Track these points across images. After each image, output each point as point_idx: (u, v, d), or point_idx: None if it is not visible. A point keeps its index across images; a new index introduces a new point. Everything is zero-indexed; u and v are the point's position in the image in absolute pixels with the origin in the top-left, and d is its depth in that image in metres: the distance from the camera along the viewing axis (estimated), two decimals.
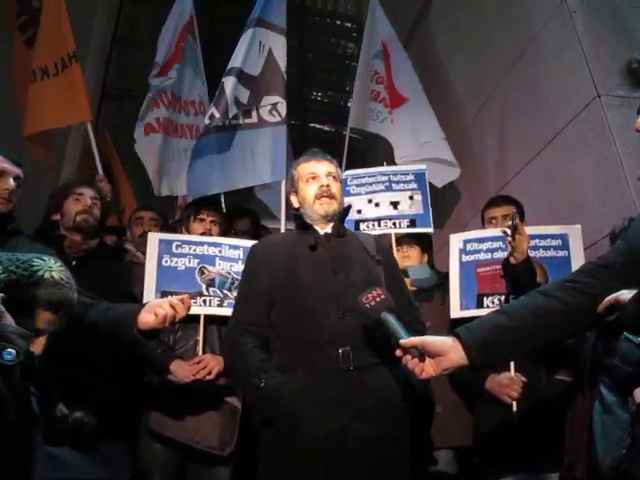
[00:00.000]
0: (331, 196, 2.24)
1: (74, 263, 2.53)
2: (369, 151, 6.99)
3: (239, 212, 3.79)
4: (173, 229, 3.94)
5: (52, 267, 1.57)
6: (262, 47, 4.04)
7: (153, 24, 10.15)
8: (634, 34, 3.36)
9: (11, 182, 2.30)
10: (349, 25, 11.08)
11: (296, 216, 2.32)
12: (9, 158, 2.33)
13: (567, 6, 3.56)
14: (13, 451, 1.43)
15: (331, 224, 2.26)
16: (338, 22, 11.31)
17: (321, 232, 2.25)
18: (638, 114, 1.56)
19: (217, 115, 3.77)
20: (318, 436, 1.87)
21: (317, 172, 2.29)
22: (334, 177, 2.30)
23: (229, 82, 3.85)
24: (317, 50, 10.79)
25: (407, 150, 4.51)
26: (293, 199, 2.36)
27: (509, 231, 2.54)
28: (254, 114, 3.95)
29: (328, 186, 2.25)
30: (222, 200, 4.15)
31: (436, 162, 4.38)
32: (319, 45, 10.84)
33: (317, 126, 10.57)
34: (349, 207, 2.45)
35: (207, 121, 3.85)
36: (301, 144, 4.19)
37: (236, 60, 3.95)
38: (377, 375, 2.00)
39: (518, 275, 2.56)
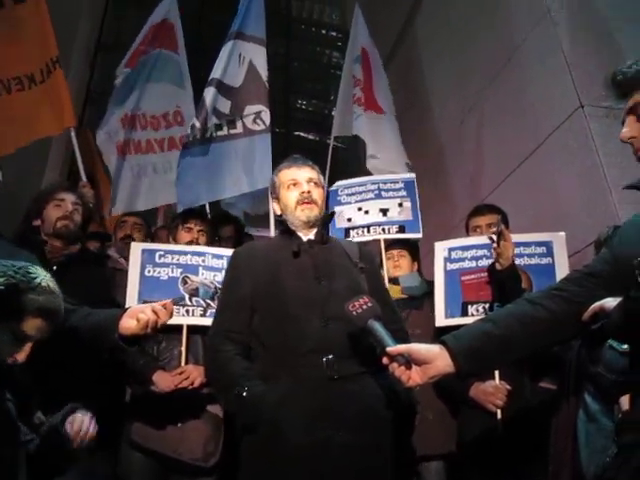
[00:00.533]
0: (312, 202, 2.23)
1: (55, 268, 2.49)
2: (353, 160, 7.00)
3: (223, 219, 3.79)
4: (156, 236, 3.93)
5: (47, 276, 1.60)
6: (242, 59, 4.13)
7: (138, 29, 10.14)
8: (617, 45, 3.40)
9: None
10: (334, 34, 11.13)
11: (279, 222, 2.33)
12: None
13: (551, 17, 3.61)
14: None
15: (314, 230, 2.25)
16: (323, 31, 11.36)
17: (304, 238, 2.23)
18: (622, 124, 1.58)
19: (198, 125, 3.88)
20: (301, 444, 1.85)
21: (298, 178, 2.28)
22: (315, 183, 2.29)
23: (209, 93, 3.97)
24: (302, 59, 10.82)
25: (372, 151, 4.61)
26: (275, 206, 2.35)
27: (495, 237, 2.55)
28: (239, 124, 4.01)
29: (309, 192, 2.24)
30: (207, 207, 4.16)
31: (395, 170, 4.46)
32: (304, 54, 10.88)
33: (302, 134, 10.59)
34: (332, 213, 2.46)
35: (189, 130, 3.93)
36: (285, 152, 4.19)
37: (216, 72, 4.07)
38: (361, 384, 1.98)
39: (503, 281, 2.57)
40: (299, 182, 2.27)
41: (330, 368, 1.94)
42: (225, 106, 4.01)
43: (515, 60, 4.00)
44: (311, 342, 1.98)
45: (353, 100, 4.95)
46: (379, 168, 4.44)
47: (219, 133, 3.99)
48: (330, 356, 1.95)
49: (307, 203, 2.23)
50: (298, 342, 1.99)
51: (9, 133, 4.05)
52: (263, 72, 4.07)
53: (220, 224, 3.61)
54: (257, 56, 4.12)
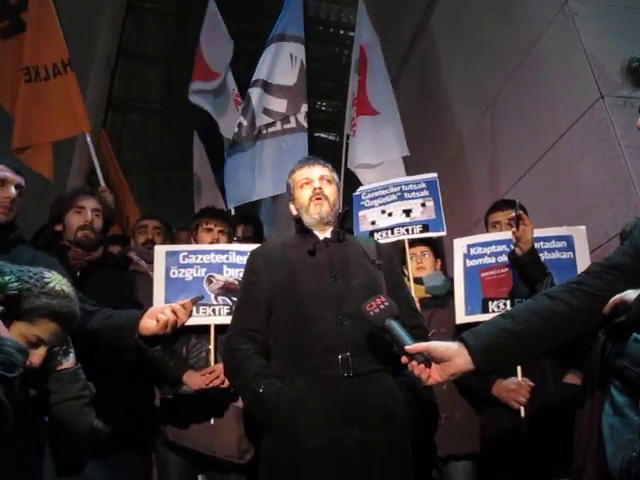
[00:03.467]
0: (323, 197, 2.27)
1: (78, 274, 2.53)
2: None
3: (243, 218, 3.79)
4: (177, 237, 3.98)
5: (62, 281, 1.63)
6: (294, 59, 4.36)
7: (158, 36, 10.26)
8: (637, 34, 3.34)
9: (12, 191, 2.30)
10: (352, 34, 11.09)
11: (296, 222, 2.35)
12: (11, 167, 2.33)
13: (569, 8, 3.55)
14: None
15: (330, 229, 2.27)
16: (342, 32, 11.34)
17: (320, 237, 2.26)
18: (639, 113, 1.55)
19: (245, 124, 4.07)
20: (317, 443, 1.86)
21: (310, 177, 2.33)
22: (328, 180, 2.34)
23: (255, 93, 4.17)
24: (321, 60, 10.82)
25: (361, 160, 4.55)
26: (292, 207, 2.39)
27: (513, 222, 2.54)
28: (292, 119, 4.23)
29: (320, 188, 2.28)
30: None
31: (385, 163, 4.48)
32: (323, 55, 10.88)
33: (322, 135, 10.59)
34: (347, 211, 2.46)
35: (236, 129, 4.12)
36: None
37: (260, 72, 4.27)
38: (377, 382, 1.99)
39: (525, 266, 2.54)
40: (311, 180, 2.32)
41: (345, 366, 1.94)
42: (280, 105, 4.21)
43: (534, 53, 3.94)
44: (326, 340, 1.99)
45: (353, 102, 4.97)
46: (369, 180, 4.33)
47: (270, 130, 4.20)
48: (346, 354, 1.96)
49: (318, 199, 2.26)
50: (313, 340, 2.01)
51: (23, 125, 4.13)
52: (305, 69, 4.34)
53: (239, 224, 3.62)
54: (303, 55, 4.37)
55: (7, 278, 1.53)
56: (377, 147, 4.54)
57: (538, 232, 2.70)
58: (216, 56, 5.42)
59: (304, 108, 4.21)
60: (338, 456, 1.84)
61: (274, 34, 4.44)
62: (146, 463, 2.59)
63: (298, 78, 4.29)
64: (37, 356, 1.55)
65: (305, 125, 4.18)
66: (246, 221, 3.67)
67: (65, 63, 4.22)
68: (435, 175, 3.56)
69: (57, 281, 1.61)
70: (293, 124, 4.22)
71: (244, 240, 3.45)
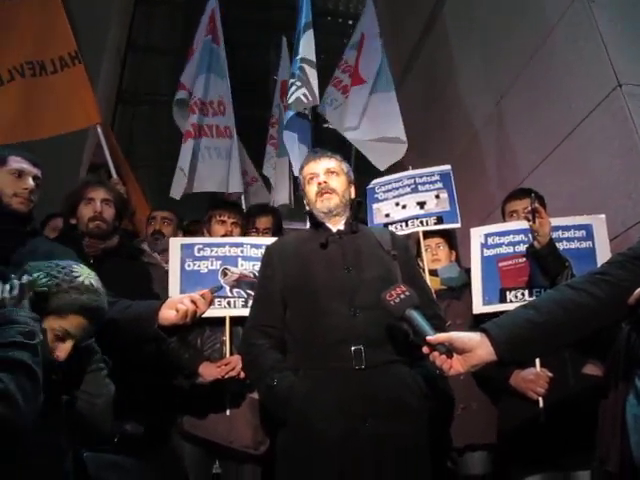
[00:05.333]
0: (330, 191, 2.26)
1: (91, 261, 2.53)
2: None
3: (261, 209, 3.77)
4: (191, 230, 3.97)
5: (90, 275, 1.65)
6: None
7: (167, 29, 10.23)
8: None
9: (30, 182, 2.32)
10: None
11: (310, 215, 2.36)
12: (27, 158, 2.35)
13: None
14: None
15: (343, 220, 2.27)
16: (350, 22, 11.27)
17: (334, 229, 2.25)
18: None
19: (309, 99, 4.20)
20: (331, 435, 1.86)
21: (316, 171, 2.33)
22: (335, 172, 2.32)
23: (310, 70, 4.28)
24: (328, 51, 10.77)
25: (352, 123, 4.63)
26: (305, 201, 2.40)
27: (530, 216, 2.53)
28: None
29: (325, 182, 2.28)
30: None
31: (380, 142, 4.50)
32: (330, 46, 10.82)
33: (330, 127, 10.55)
34: (359, 202, 2.45)
35: (298, 106, 4.19)
36: (313, 144, 4.28)
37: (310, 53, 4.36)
38: (390, 373, 1.98)
39: (544, 258, 2.53)
40: (317, 174, 2.32)
41: (358, 358, 1.94)
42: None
43: (549, 41, 3.89)
44: (339, 333, 1.99)
45: (338, 86, 5.10)
46: (357, 139, 4.56)
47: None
48: (358, 346, 1.95)
49: (325, 193, 2.26)
50: (326, 333, 2.01)
51: (29, 119, 4.08)
52: None
53: (257, 215, 3.59)
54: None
55: (36, 275, 1.56)
56: (359, 115, 4.63)
57: (557, 221, 2.69)
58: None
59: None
60: (352, 448, 1.85)
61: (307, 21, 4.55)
62: (178, 456, 2.60)
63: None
64: (64, 350, 1.57)
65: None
66: (265, 213, 3.65)
67: (72, 55, 4.20)
68: (449, 167, 3.56)
69: (85, 275, 1.63)
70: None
71: (263, 232, 3.43)
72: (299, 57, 4.31)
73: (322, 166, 2.33)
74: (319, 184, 2.28)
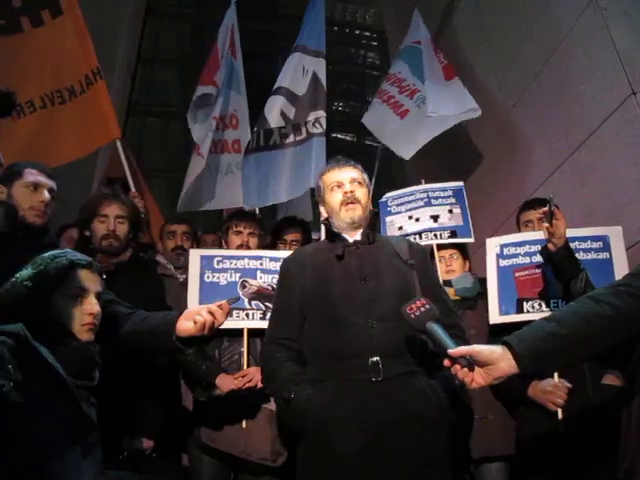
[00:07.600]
0: (355, 201, 2.22)
1: (104, 277, 2.53)
2: (395, 161, 6.91)
3: (289, 222, 3.76)
4: (202, 241, 4.00)
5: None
6: (305, 71, 4.60)
7: (176, 41, 10.32)
8: None
9: (46, 194, 2.34)
10: (368, 34, 11.07)
11: (325, 226, 2.32)
12: (43, 171, 2.36)
13: (597, 3, 3.50)
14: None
15: (360, 231, 2.24)
16: (357, 32, 11.31)
17: (350, 240, 2.22)
18: None
19: (268, 127, 4.40)
20: (348, 448, 1.84)
21: (341, 179, 2.28)
22: (359, 182, 2.29)
23: (277, 101, 4.48)
24: (337, 61, 10.80)
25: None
26: (322, 209, 2.36)
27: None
28: (303, 130, 4.39)
29: (352, 192, 2.24)
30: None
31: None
32: (339, 55, 10.85)
33: (339, 136, 10.56)
34: (376, 212, 2.43)
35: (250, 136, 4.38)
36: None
37: (284, 81, 4.57)
38: (408, 385, 1.95)
39: (559, 261, 2.50)
40: (342, 183, 2.27)
41: (375, 370, 1.92)
42: (290, 112, 4.45)
43: (562, 49, 3.89)
44: (356, 345, 1.97)
45: (382, 98, 5.03)
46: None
47: (286, 141, 4.41)
48: (375, 358, 1.93)
49: (350, 203, 2.22)
50: (344, 346, 1.99)
51: (56, 146, 4.11)
52: (324, 81, 4.48)
53: (285, 228, 3.58)
54: (319, 68, 4.54)
55: (24, 272, 1.66)
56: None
57: (573, 232, 2.66)
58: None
59: (312, 116, 4.36)
60: (370, 460, 1.82)
61: (296, 44, 4.73)
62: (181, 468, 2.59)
63: (308, 88, 4.49)
64: (92, 305, 1.68)
65: (313, 131, 4.31)
66: (294, 226, 3.64)
67: (95, 72, 4.21)
68: (461, 184, 3.60)
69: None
70: (304, 134, 4.36)
71: (290, 244, 3.42)
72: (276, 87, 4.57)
73: (347, 175, 2.28)
74: (345, 193, 2.23)
